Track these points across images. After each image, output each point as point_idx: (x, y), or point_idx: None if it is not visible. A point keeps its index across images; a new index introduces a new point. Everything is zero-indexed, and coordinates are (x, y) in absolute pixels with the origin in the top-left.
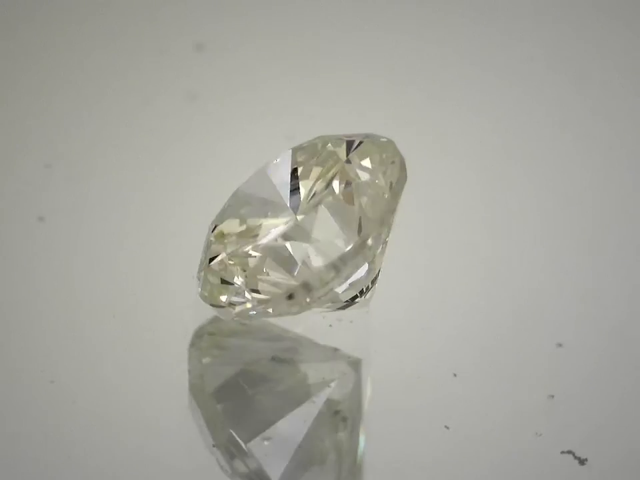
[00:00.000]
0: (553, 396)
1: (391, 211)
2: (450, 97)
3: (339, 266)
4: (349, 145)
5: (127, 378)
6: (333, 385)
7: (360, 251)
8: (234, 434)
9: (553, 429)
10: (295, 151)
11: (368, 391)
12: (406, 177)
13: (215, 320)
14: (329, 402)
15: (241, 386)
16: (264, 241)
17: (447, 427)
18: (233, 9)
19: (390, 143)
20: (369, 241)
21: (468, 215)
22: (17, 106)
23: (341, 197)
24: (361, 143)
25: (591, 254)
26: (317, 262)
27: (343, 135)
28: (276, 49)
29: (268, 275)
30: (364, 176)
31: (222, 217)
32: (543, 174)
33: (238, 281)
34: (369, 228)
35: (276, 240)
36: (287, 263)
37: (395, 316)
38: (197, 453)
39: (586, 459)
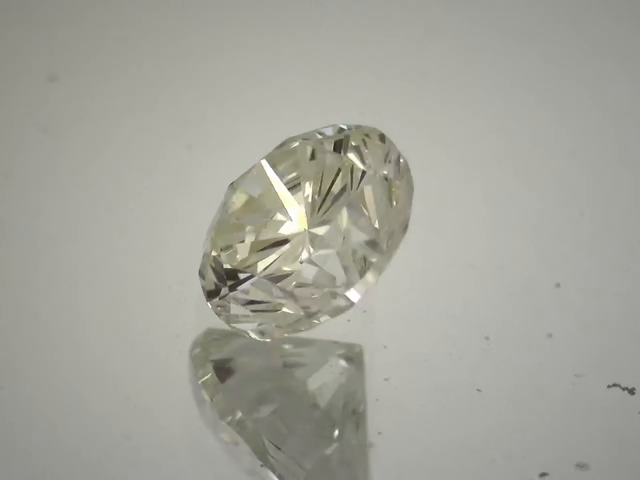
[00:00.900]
0: (551, 335)
1: (409, 197)
2: (439, 91)
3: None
4: (338, 142)
5: (137, 386)
6: (347, 381)
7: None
8: (272, 447)
9: (591, 368)
10: (271, 160)
11: (395, 369)
12: (406, 162)
13: (216, 328)
14: (346, 401)
15: (257, 396)
16: (292, 259)
17: (479, 390)
18: (85, 39)
19: (374, 130)
20: (390, 232)
21: (465, 190)
22: None
23: (354, 197)
24: (347, 136)
25: (591, 199)
26: (349, 266)
27: (314, 132)
28: (134, 75)
29: (309, 290)
30: (368, 169)
31: (217, 243)
32: (540, 165)
33: (280, 301)
34: (391, 219)
35: (305, 256)
36: (322, 275)
37: (405, 299)
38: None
39: (634, 388)
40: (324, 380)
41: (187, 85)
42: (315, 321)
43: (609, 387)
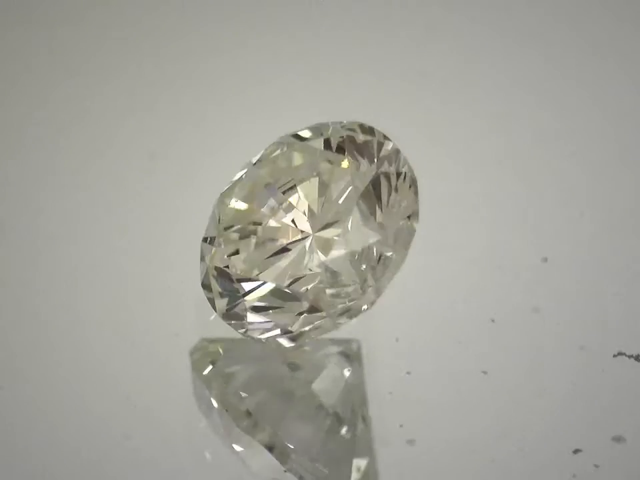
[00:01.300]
0: (538, 309)
1: (411, 185)
2: (439, 91)
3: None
4: (327, 141)
5: (137, 386)
6: (349, 378)
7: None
8: (291, 450)
9: (595, 340)
10: (261, 166)
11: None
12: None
13: (211, 336)
14: (352, 398)
15: (266, 401)
16: (301, 265)
17: (484, 372)
18: (86, 38)
19: (357, 123)
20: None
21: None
22: None
23: (354, 195)
24: (336, 135)
25: (591, 199)
26: (362, 265)
27: (297, 133)
28: (134, 75)
29: (324, 293)
30: (362, 164)
31: (217, 254)
32: (540, 165)
33: (295, 305)
34: (396, 211)
35: (315, 260)
36: (336, 277)
37: (405, 296)
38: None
39: (639, 355)
40: (328, 379)
41: (187, 84)
42: (339, 322)
43: (614, 356)
